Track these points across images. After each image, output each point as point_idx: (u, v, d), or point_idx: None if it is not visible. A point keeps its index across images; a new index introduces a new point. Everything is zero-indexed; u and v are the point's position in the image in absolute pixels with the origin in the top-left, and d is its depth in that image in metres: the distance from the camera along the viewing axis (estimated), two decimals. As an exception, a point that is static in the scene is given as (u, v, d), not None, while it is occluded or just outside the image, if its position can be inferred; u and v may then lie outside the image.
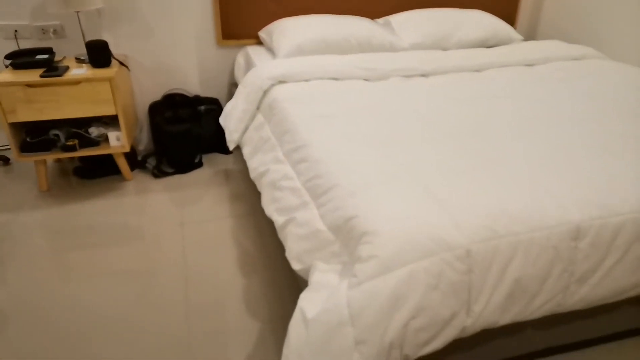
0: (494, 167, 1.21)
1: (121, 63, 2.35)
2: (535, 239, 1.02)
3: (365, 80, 2.14)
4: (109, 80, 2.15)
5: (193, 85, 2.75)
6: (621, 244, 1.08)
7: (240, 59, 2.75)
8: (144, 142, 2.73)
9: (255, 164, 1.83)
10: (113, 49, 2.47)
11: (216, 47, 2.79)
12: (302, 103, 1.83)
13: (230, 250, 1.85)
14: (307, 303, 0.99)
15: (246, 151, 2.02)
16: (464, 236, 0.99)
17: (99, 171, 2.44)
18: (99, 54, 2.22)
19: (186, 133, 2.48)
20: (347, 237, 1.08)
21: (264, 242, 1.90)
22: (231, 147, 2.18)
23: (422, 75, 2.19)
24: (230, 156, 2.71)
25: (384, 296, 0.94)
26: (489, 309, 1.01)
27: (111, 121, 2.37)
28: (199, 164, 2.57)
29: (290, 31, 2.49)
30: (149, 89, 2.65)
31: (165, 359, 1.35)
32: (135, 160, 2.53)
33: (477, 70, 2.26)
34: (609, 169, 1.19)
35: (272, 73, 2.09)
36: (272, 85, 2.08)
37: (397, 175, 1.20)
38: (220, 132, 2.29)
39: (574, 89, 1.90)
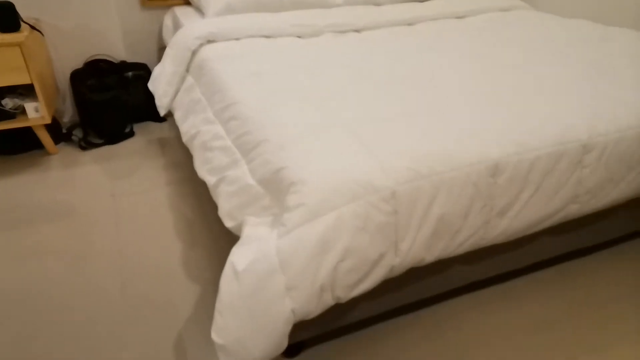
0: (421, 113, 1.23)
1: (32, 27, 2.15)
2: (456, 177, 1.06)
3: (298, 37, 2.09)
4: (19, 45, 1.96)
5: (118, 50, 2.58)
6: (536, 178, 1.14)
7: (167, 21, 2.60)
8: (69, 113, 2.55)
9: (186, 127, 1.76)
10: (22, 11, 2.25)
11: (140, 8, 2.62)
12: (233, 62, 1.76)
13: (168, 218, 1.80)
14: (238, 256, 0.98)
15: (178, 115, 1.94)
16: (389, 179, 1.01)
17: (19, 146, 2.26)
18: (4, 17, 2.01)
19: (113, 101, 2.34)
20: (276, 189, 1.07)
21: (204, 208, 1.86)
22: (162, 112, 2.08)
23: (355, 31, 2.17)
24: (164, 124, 2.60)
25: (313, 241, 0.94)
26: (415, 247, 1.05)
27: (27, 92, 2.19)
28: (130, 134, 2.45)
29: (218, -11, 2.37)
30: (68, 56, 2.46)
31: (103, 332, 1.31)
32: (59, 132, 2.37)
33: (410, 24, 2.27)
34: (526, 109, 1.24)
35: (200, 32, 1.99)
36: (201, 45, 1.99)
37: (328, 126, 1.19)
38: (151, 100, 2.18)
39: (501, 39, 1.95)
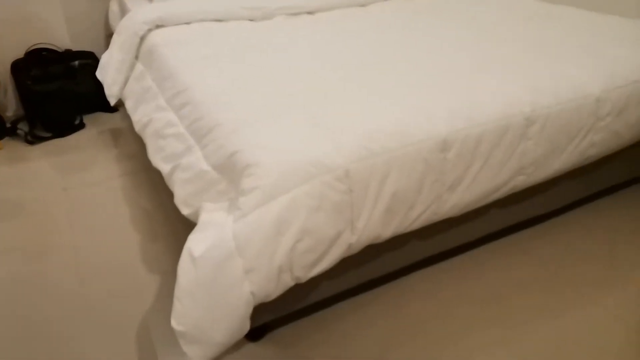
0: (373, 92, 1.25)
1: (-37, 14, 2.01)
2: (408, 153, 1.08)
3: (251, 20, 2.06)
4: (-51, 34, 1.83)
5: (62, 38, 2.45)
6: (483, 151, 1.18)
7: (113, 6, 2.49)
8: (12, 106, 2.42)
9: (138, 116, 1.71)
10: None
11: (83, -7, 2.49)
12: (183, 46, 1.72)
13: (124, 210, 1.75)
14: (194, 243, 0.97)
15: (129, 104, 1.88)
16: (343, 157, 1.02)
17: (-42, 143, 2.13)
18: None
19: (59, 92, 2.24)
20: (231, 174, 1.06)
21: (160, 197, 1.83)
22: (112, 101, 2.01)
23: (308, 13, 2.16)
24: (116, 114, 2.51)
25: (269, 223, 0.95)
26: (371, 224, 1.07)
27: (-37, 84, 2.06)
28: (80, 125, 2.35)
29: (165, -29, 2.28)
30: (6, 45, 2.32)
31: (64, 329, 1.27)
32: (3, 127, 2.24)
33: (363, 5, 2.27)
34: (473, 85, 1.28)
35: (148, 17, 1.93)
36: (149, 30, 1.92)
37: (281, 108, 1.19)
38: (101, 89, 2.10)
39: (450, 17, 1.99)
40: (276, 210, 0.96)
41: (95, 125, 2.38)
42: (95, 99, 2.44)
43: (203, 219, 1.04)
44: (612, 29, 1.72)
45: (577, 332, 1.23)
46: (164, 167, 1.36)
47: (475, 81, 1.30)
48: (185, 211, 1.19)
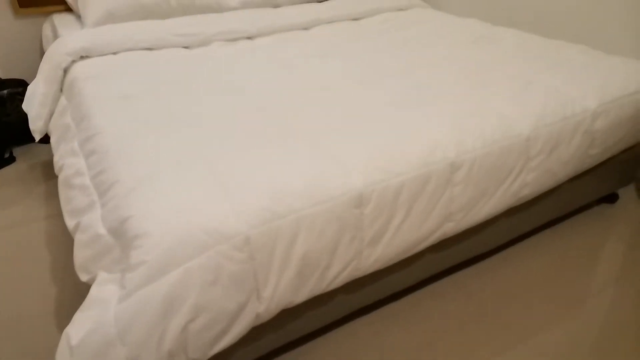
0: (287, 140, 1.17)
1: None
2: (318, 213, 1.00)
3: (186, 47, 1.96)
4: None
5: (-10, 65, 2.31)
6: (404, 202, 1.12)
7: (46, 30, 2.36)
8: None
9: (57, 156, 1.59)
10: None
11: (13, 17, 2.36)
12: (103, 82, 1.61)
13: (45, 256, 1.63)
14: (74, 327, 0.87)
15: (53, 140, 1.75)
16: (243, 222, 0.94)
17: None
18: None
19: (-17, 125, 2.10)
20: (123, 241, 0.97)
21: (88, 242, 1.71)
22: (36, 137, 1.89)
23: (248, 38, 2.07)
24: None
25: (155, 304, 0.86)
26: (280, 291, 0.99)
27: None
28: (11, 159, 2.21)
29: (98, -6, 2.16)
30: None
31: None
32: None
33: (305, 28, 2.19)
34: (394, 128, 1.21)
35: (72, 47, 1.81)
36: (73, 61, 1.81)
37: (187, 161, 1.10)
38: (31, 120, 1.96)
39: (390, 43, 1.93)
40: (164, 288, 0.87)
41: (28, 158, 2.24)
42: (28, 130, 2.29)
43: (91, 294, 0.94)
44: (551, 56, 1.68)
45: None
46: (69, 223, 1.25)
47: (396, 123, 1.22)
48: (84, 278, 1.09)
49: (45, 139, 2.36)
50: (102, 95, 1.51)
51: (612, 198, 1.84)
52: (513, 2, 2.35)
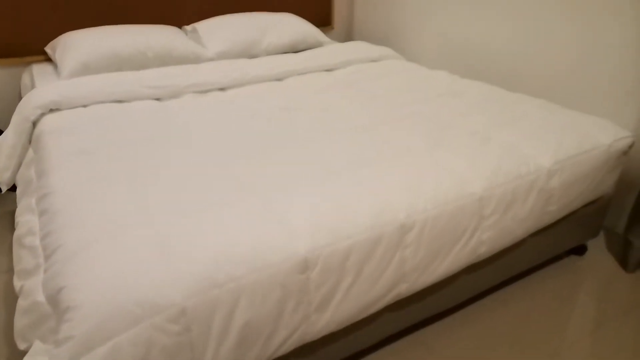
0: (240, 198, 1.16)
1: None
2: (259, 280, 0.99)
3: (157, 99, 1.99)
4: None
5: (-34, 114, 2.33)
6: (353, 266, 1.10)
7: (25, 79, 2.39)
8: None
9: (17, 211, 1.58)
10: None
11: (-7, 66, 2.40)
12: (69, 136, 1.62)
13: (2, 314, 1.59)
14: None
15: (17, 192, 1.74)
16: (180, 292, 0.92)
17: None
18: None
19: (-49, 176, 2.08)
20: (58, 312, 0.94)
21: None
22: (2, 188, 1.88)
23: (220, 90, 2.11)
24: (23, 193, 2.36)
25: (80, 382, 0.83)
26: (219, 362, 0.96)
27: None
28: (-21, 208, 2.19)
29: (75, 46, 2.22)
30: None
31: None
32: None
33: (279, 79, 2.24)
34: (343, 187, 1.21)
35: (42, 100, 1.83)
36: (42, 114, 1.82)
37: (133, 223, 1.09)
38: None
39: (360, 96, 1.96)
40: (91, 365, 0.84)
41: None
42: (0, 178, 2.29)
43: (21, 368, 0.91)
44: (512, 110, 1.71)
45: None
46: (16, 284, 1.22)
47: (348, 183, 1.22)
48: (21, 345, 1.05)
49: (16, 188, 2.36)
50: (64, 150, 1.51)
51: (580, 250, 1.83)
52: (481, 54, 2.42)
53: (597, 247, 1.90)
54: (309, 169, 1.31)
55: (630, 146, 1.59)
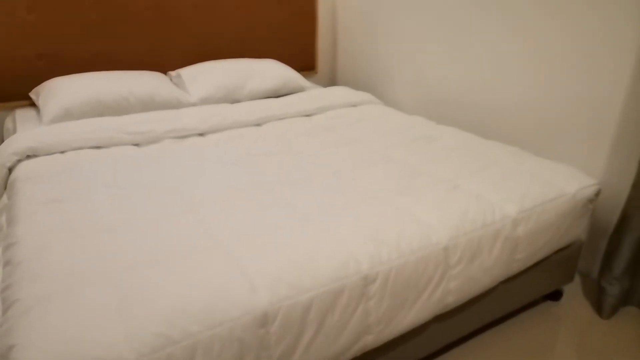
0: (197, 251, 1.16)
1: None
2: (216, 335, 0.98)
3: (136, 145, 2.01)
4: None
5: (-54, 158, 2.33)
6: (315, 319, 1.09)
7: (8, 124, 2.42)
8: None
9: (-14, 258, 1.56)
10: None
11: (-23, 111, 2.43)
12: (41, 184, 1.62)
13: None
14: None
15: (-11, 239, 1.73)
16: (133, 351, 0.91)
17: None
18: None
19: None
20: (6, 372, 0.92)
21: None
22: (-24, 235, 1.86)
23: (200, 135, 2.14)
24: None
25: None
26: (171, 423, 0.93)
27: None
28: (-49, 254, 2.15)
29: (58, 92, 2.26)
30: None
31: None
32: None
33: (258, 125, 2.28)
34: (306, 238, 1.21)
35: (19, 146, 1.85)
36: (19, 161, 1.84)
37: (93, 277, 1.08)
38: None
39: (336, 141, 1.99)
40: None
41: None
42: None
43: None
44: (482, 158, 1.74)
45: None
46: (-29, 338, 1.19)
47: (312, 233, 1.23)
48: (-30, 405, 1.02)
49: None
50: (34, 198, 1.51)
51: (556, 295, 1.83)
52: (457, 100, 2.49)
53: (574, 292, 1.90)
54: (275, 218, 1.31)
55: (597, 194, 1.61)
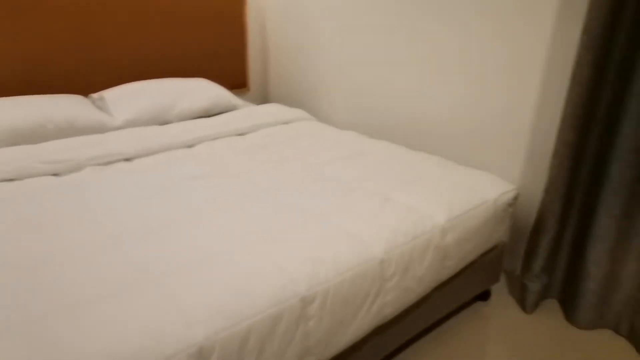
0: (135, 286, 1.11)
1: None
2: (149, 377, 0.93)
3: (55, 175, 1.88)
4: None
5: None
6: (254, 347, 1.08)
7: None
8: None
9: None
10: None
11: None
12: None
13: None
14: None
15: None
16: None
17: None
18: None
19: None
20: None
21: None
22: None
23: (126, 160, 2.04)
24: None
25: None
26: None
27: None
28: None
29: (-37, 121, 2.06)
30: None
31: None
32: None
33: (190, 146, 2.22)
34: (247, 263, 1.20)
35: None
36: None
37: (10, 325, 0.99)
38: None
39: (269, 161, 1.98)
40: None
41: None
42: None
43: None
44: (411, 170, 1.82)
45: None
46: None
47: (248, 259, 1.21)
48: None
49: None
50: None
51: (485, 295, 1.94)
52: (387, 113, 2.60)
53: (501, 290, 2.03)
54: (210, 245, 1.28)
55: (515, 198, 1.75)
